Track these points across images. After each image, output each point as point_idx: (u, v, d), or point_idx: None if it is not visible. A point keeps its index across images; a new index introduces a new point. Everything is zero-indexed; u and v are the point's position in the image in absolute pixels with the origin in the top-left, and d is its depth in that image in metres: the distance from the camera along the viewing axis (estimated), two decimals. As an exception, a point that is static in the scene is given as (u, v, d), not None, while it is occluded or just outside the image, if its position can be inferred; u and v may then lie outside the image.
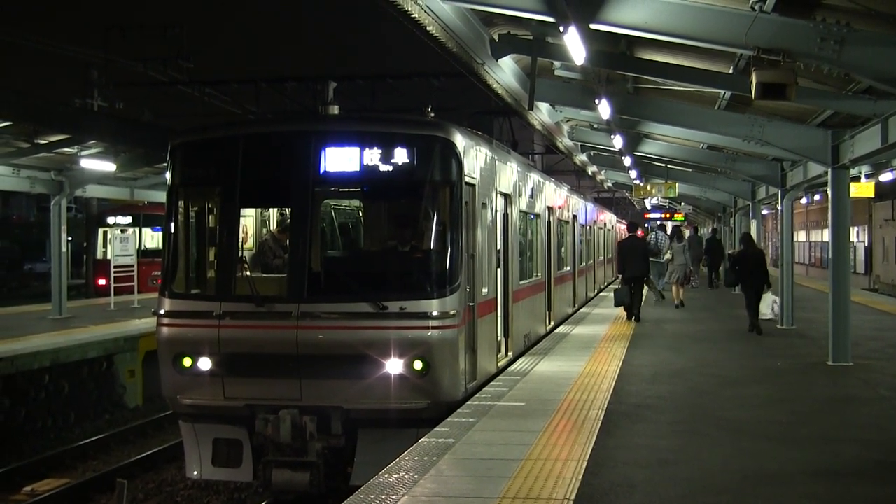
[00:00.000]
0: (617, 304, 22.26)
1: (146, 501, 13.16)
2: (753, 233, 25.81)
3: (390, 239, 12.07)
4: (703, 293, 31.08)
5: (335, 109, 11.89)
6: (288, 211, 11.93)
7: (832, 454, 9.00)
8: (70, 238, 28.37)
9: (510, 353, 14.35)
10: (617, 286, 23.45)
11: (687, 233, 31.30)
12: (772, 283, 19.76)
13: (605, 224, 36.41)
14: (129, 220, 35.32)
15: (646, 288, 24.52)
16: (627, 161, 27.68)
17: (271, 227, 13.44)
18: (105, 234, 35.13)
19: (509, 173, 14.43)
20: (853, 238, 44.40)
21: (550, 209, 19.64)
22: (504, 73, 15.34)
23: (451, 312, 10.47)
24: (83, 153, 21.63)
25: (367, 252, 12.93)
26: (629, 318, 21.66)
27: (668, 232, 30.49)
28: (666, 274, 27.42)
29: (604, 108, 16.91)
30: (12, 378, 16.08)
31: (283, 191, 11.30)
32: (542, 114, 20.14)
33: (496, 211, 13.17)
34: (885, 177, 26.34)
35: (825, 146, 15.12)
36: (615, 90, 17.76)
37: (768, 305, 20.90)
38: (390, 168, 10.71)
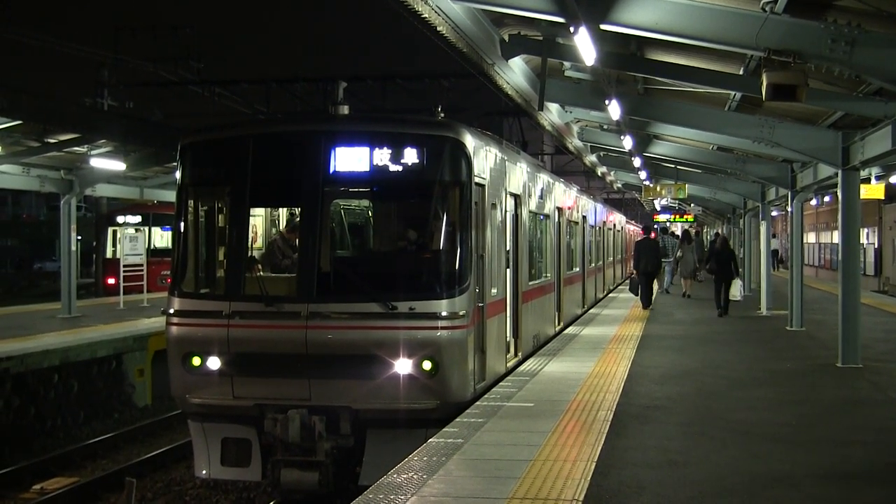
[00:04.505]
0: (631, 291, 27.38)
1: (155, 500, 13.18)
2: (762, 235, 26.23)
3: (400, 239, 12.07)
4: (706, 286, 33.09)
5: (345, 110, 11.84)
6: (297, 211, 11.93)
7: (841, 457, 8.99)
8: (80, 237, 28.47)
9: (519, 354, 14.34)
10: (632, 279, 27.86)
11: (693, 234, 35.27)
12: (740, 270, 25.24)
13: (614, 225, 36.39)
14: (138, 219, 35.40)
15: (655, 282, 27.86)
16: (637, 162, 27.67)
17: (281, 227, 13.45)
18: (115, 233, 35.19)
19: (519, 174, 14.43)
20: (863, 240, 44.28)
21: (560, 210, 19.63)
22: (514, 73, 15.34)
23: (461, 313, 10.47)
24: (93, 152, 21.69)
25: (376, 252, 12.94)
26: (645, 306, 25.28)
27: (679, 234, 34.52)
28: (669, 271, 32.62)
29: (614, 109, 16.88)
30: (22, 377, 16.13)
31: (292, 191, 11.31)
32: (552, 114, 20.13)
33: (506, 211, 13.17)
34: (896, 178, 26.31)
35: (836, 148, 15.08)
36: (625, 91, 17.75)
37: (738, 290, 25.49)
38: (400, 168, 10.71)
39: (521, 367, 14.02)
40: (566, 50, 14.38)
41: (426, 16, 10.79)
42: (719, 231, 45.08)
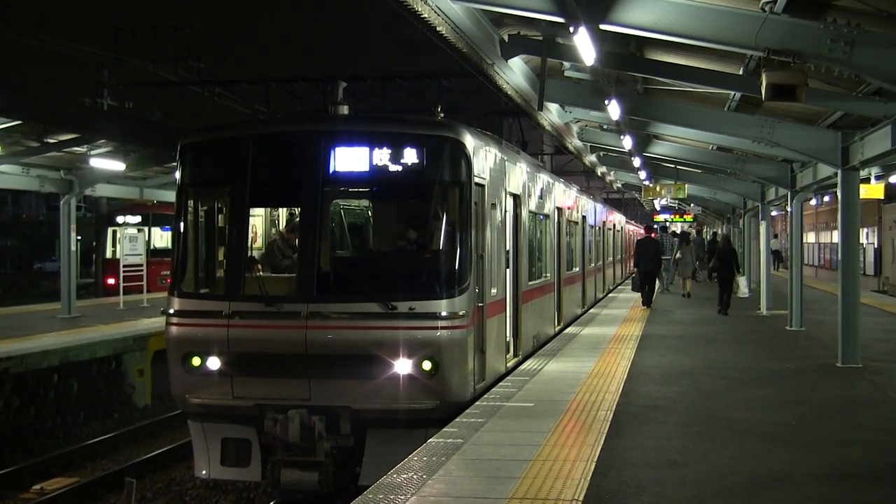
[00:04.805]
0: (634, 290, 27.53)
1: (155, 501, 13.18)
2: (762, 234, 26.36)
3: (399, 239, 12.08)
4: (705, 285, 34.64)
5: (345, 109, 11.85)
6: (297, 211, 11.94)
7: (841, 456, 8.99)
8: (79, 237, 28.46)
9: (519, 354, 14.34)
10: (634, 278, 28.07)
11: (692, 234, 35.92)
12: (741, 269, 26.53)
13: (614, 225, 36.41)
14: (138, 219, 35.39)
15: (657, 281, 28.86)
16: (637, 162, 27.68)
17: (280, 227, 13.46)
18: (114, 233, 35.19)
19: (519, 174, 14.43)
20: (863, 239, 44.27)
21: (560, 210, 19.63)
22: (514, 73, 15.34)
23: (461, 313, 10.47)
24: (93, 152, 21.68)
25: (376, 252, 12.94)
26: (644, 304, 25.81)
27: (678, 234, 35.05)
28: (671, 270, 33.07)
29: (613, 109, 16.89)
30: (22, 377, 16.13)
31: (292, 191, 11.31)
32: (552, 114, 20.13)
33: (505, 211, 13.17)
34: (896, 178, 26.33)
35: (835, 148, 15.08)
36: (625, 91, 17.74)
37: (744, 286, 27.48)
38: (400, 168, 10.71)
39: (521, 367, 14.01)
40: (566, 50, 14.38)
41: (426, 16, 10.80)
42: (717, 231, 45.33)
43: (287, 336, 10.45)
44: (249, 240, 11.80)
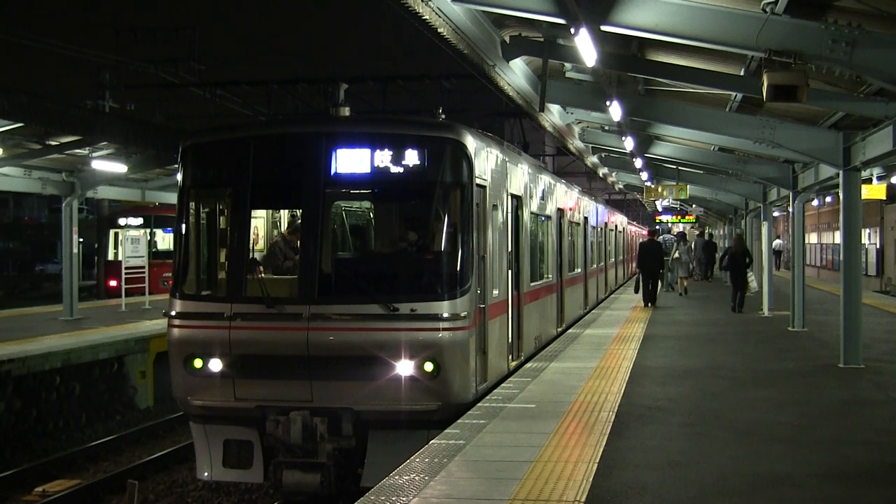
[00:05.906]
0: (636, 291, 28.03)
1: (157, 502, 13.19)
2: (764, 235, 26.45)
3: (401, 240, 12.08)
4: (704, 285, 36.09)
5: (346, 111, 11.87)
6: (299, 212, 11.94)
7: (843, 457, 8.98)
8: (81, 239, 28.47)
9: (521, 355, 14.34)
10: (637, 279, 28.75)
11: (692, 234, 36.13)
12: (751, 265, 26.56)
13: (616, 226, 36.41)
14: (140, 221, 35.44)
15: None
16: (638, 163, 27.70)
17: (282, 229, 13.46)
18: (116, 235, 35.23)
19: (520, 175, 14.43)
20: (865, 240, 44.24)
21: (561, 211, 19.62)
22: (515, 74, 15.34)
23: (462, 314, 10.47)
24: (94, 154, 21.70)
25: (377, 254, 12.94)
26: (646, 304, 26.28)
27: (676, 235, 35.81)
28: (674, 269, 33.46)
29: (615, 110, 16.89)
30: (24, 379, 16.14)
31: (293, 192, 11.31)
32: (553, 116, 20.13)
33: (507, 213, 13.17)
34: (897, 179, 26.35)
35: (837, 148, 15.07)
36: (626, 92, 17.74)
37: (753, 281, 28.29)
38: (401, 170, 10.72)
39: (523, 368, 14.01)
40: (567, 51, 14.39)
41: (427, 17, 10.80)
42: (712, 233, 45.68)
43: (289, 338, 10.46)
44: (251, 241, 11.80)
